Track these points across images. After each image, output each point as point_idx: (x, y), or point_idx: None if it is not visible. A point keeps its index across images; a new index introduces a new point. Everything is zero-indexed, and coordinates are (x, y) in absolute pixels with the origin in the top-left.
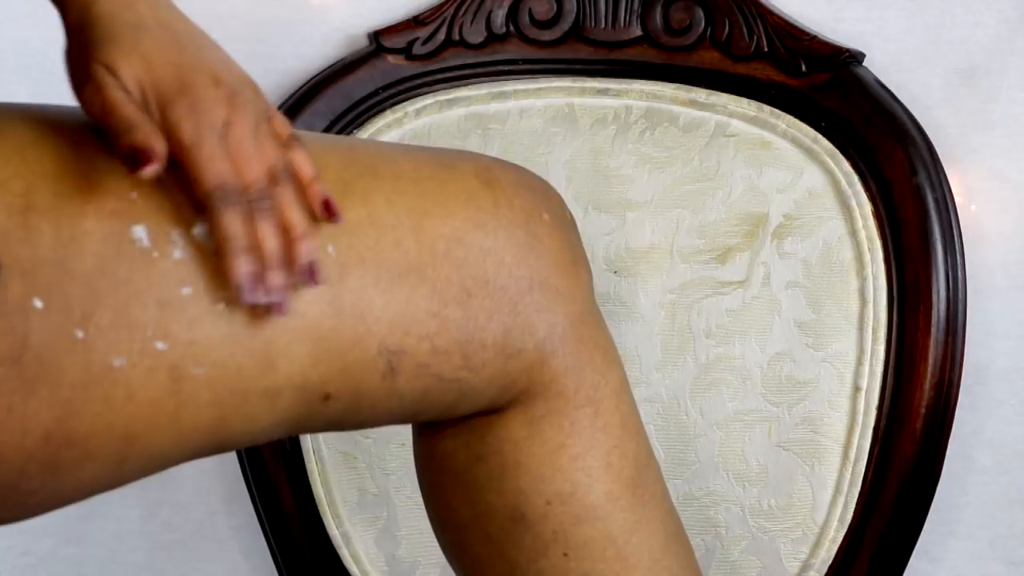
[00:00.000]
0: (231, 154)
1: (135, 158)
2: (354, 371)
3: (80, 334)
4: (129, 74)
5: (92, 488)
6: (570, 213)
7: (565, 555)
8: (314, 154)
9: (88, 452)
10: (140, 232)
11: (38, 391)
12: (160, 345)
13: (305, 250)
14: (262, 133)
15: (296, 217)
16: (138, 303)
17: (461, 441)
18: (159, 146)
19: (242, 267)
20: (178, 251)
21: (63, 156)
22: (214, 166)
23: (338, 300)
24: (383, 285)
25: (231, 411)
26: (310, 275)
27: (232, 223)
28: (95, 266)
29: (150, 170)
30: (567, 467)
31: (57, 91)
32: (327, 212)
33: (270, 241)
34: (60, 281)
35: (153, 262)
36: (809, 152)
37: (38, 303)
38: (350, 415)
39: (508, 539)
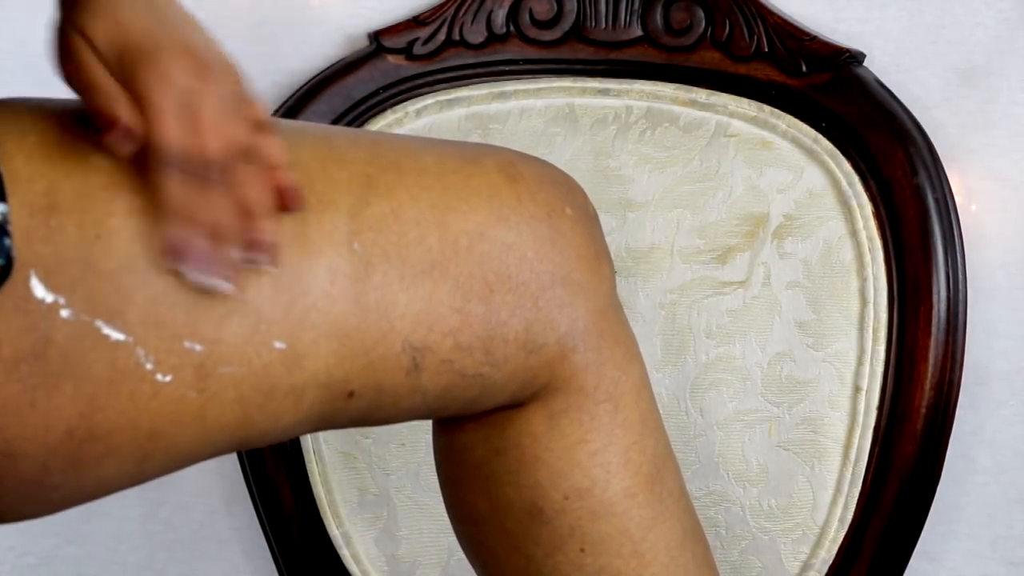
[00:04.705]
0: (191, 122)
1: (104, 125)
2: (378, 368)
3: (106, 331)
4: (102, 37)
5: (114, 484)
6: (593, 208)
7: (581, 550)
8: (339, 149)
9: (111, 448)
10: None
11: (61, 386)
12: (187, 343)
13: (263, 229)
14: (232, 110)
15: (257, 197)
16: (165, 301)
17: (481, 435)
18: (126, 114)
19: (174, 233)
20: None
21: (88, 154)
22: (167, 128)
23: (362, 297)
24: (407, 281)
25: (256, 409)
26: (267, 256)
27: (174, 187)
28: (122, 264)
29: (114, 136)
30: (586, 462)
31: (58, 92)
32: (285, 200)
33: (220, 214)
34: (85, 279)
35: None
36: (809, 152)
37: (62, 300)
38: (373, 412)
39: (524, 533)
